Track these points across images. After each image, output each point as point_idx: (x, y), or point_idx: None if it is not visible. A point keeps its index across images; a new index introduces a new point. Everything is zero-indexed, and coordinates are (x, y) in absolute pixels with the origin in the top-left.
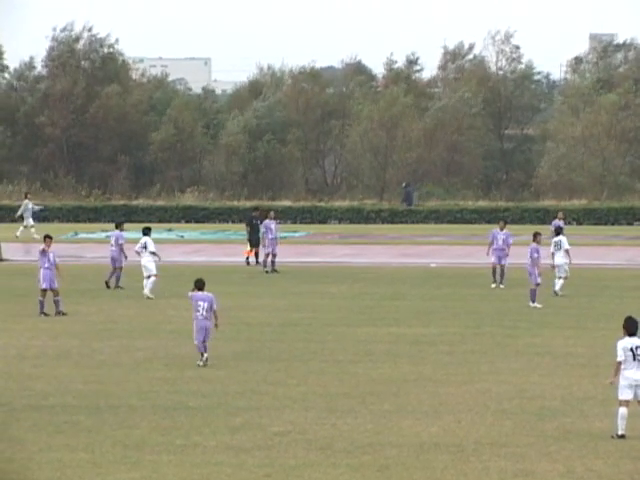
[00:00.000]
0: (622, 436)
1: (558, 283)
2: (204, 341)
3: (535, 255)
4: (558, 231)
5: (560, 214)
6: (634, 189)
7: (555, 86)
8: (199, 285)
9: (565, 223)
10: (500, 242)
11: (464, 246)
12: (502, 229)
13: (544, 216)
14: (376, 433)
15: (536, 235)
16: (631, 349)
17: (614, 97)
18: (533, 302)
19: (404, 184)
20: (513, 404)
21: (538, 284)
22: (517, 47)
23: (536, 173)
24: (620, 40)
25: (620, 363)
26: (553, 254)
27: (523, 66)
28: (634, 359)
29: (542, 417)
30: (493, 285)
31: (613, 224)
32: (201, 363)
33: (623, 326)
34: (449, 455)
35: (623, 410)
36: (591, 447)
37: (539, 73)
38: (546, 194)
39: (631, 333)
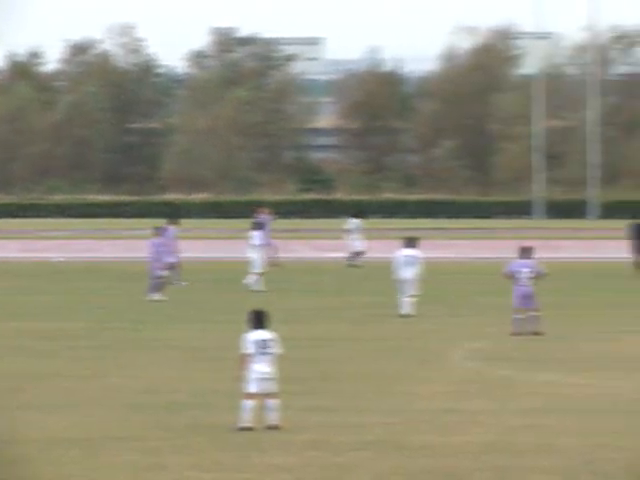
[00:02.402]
0: (249, 428)
1: (252, 278)
2: None
3: (161, 249)
4: (258, 226)
5: (265, 209)
6: (258, 182)
7: (179, 80)
8: None
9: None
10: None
11: (89, 240)
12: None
13: (170, 210)
14: (4, 428)
15: (158, 229)
16: (259, 342)
17: (240, 92)
18: (153, 294)
19: None
20: (142, 398)
21: (160, 277)
22: (140, 40)
23: (161, 167)
24: (242, 34)
25: (247, 356)
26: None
27: (146, 60)
28: (261, 353)
29: (171, 411)
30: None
31: (237, 217)
32: None
33: (248, 319)
34: (79, 450)
35: (250, 403)
36: (219, 439)
37: (163, 66)
38: (171, 188)
39: (258, 326)
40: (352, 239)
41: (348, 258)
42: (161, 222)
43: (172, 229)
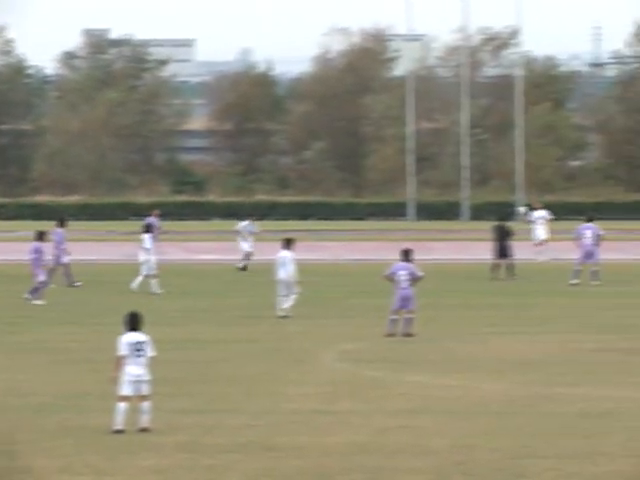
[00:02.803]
0: (121, 431)
1: (141, 282)
2: None
3: (36, 255)
4: (148, 229)
5: (156, 211)
6: (130, 184)
7: (50, 81)
8: None
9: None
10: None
11: None
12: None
13: (41, 212)
14: None
15: (41, 234)
16: (133, 344)
17: (111, 93)
18: (31, 296)
19: None
20: (9, 401)
21: (42, 282)
22: (11, 41)
23: (33, 169)
24: (114, 36)
25: (122, 358)
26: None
27: (17, 61)
28: (135, 355)
29: (40, 413)
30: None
31: (110, 219)
32: None
33: (124, 321)
34: None
35: (123, 405)
36: (89, 442)
37: (34, 68)
38: (43, 190)
39: (132, 328)
40: (242, 241)
41: (241, 260)
42: (36, 225)
43: (60, 231)
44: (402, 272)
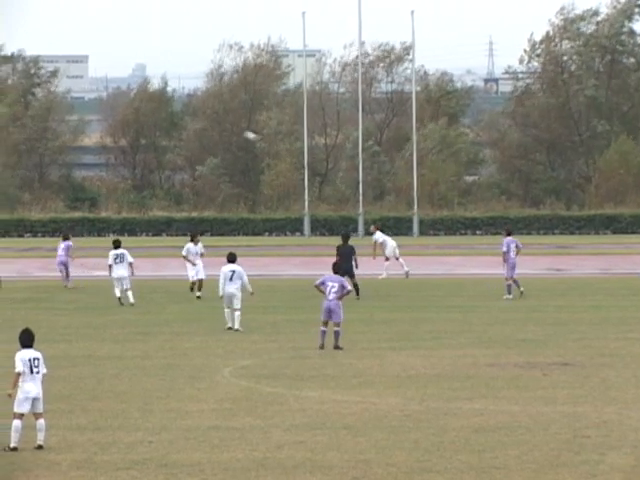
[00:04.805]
0: (15, 449)
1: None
2: None
3: None
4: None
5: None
6: (24, 201)
7: None
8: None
9: None
10: None
11: None
12: None
13: None
14: None
15: None
16: (27, 361)
17: (4, 109)
18: None
19: None
20: None
21: None
22: None
23: None
24: (6, 51)
25: (19, 375)
26: None
27: None
28: (31, 372)
29: None
30: None
31: (3, 236)
32: None
33: (19, 338)
34: None
35: (18, 423)
36: None
37: None
38: None
39: (26, 345)
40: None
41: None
42: None
43: None
44: (331, 283)
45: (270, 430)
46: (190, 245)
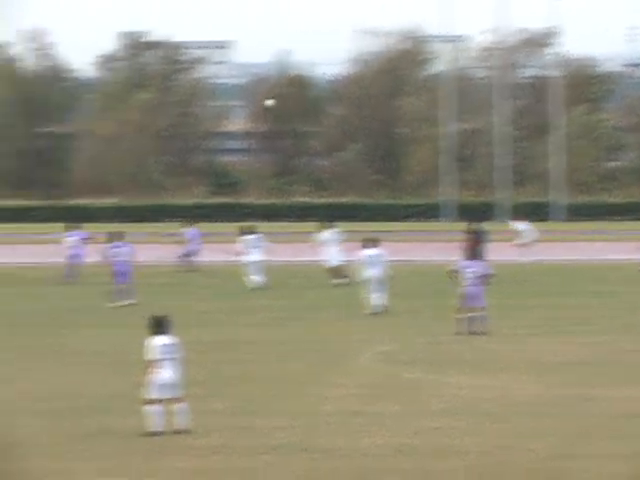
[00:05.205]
0: (156, 433)
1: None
2: None
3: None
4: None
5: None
6: (167, 187)
7: (88, 84)
8: None
9: None
10: None
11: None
12: None
13: (77, 215)
14: None
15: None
16: (163, 347)
17: (147, 95)
18: (118, 300)
19: None
20: (48, 404)
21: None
22: (50, 44)
23: (70, 171)
24: (151, 38)
25: (154, 361)
26: None
27: (56, 64)
28: (167, 358)
29: (76, 416)
30: None
31: (146, 221)
32: None
33: (151, 324)
34: None
35: (157, 408)
36: (125, 444)
37: (72, 70)
38: (81, 192)
39: (161, 331)
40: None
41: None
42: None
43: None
44: (469, 270)
45: (409, 416)
46: (326, 231)
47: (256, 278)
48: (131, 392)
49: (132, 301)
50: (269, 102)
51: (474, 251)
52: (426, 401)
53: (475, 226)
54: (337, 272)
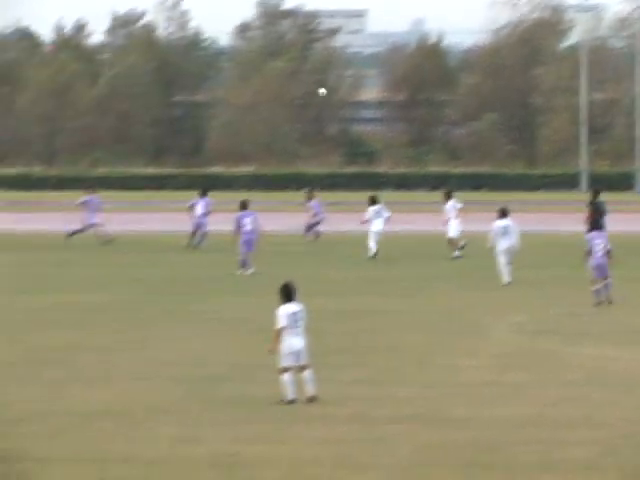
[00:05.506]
0: (292, 401)
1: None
2: None
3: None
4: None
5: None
6: (302, 155)
7: (224, 53)
8: None
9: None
10: None
11: (135, 213)
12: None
13: (213, 183)
14: (45, 401)
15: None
16: (290, 315)
17: (282, 64)
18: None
19: None
20: (183, 371)
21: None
22: (186, 13)
23: (206, 140)
24: (286, 7)
25: (281, 330)
26: None
27: (191, 32)
28: (293, 325)
29: (212, 383)
30: None
31: (281, 190)
32: None
33: (280, 292)
34: (119, 422)
35: (288, 376)
36: (259, 412)
37: (207, 39)
38: (216, 161)
39: (288, 299)
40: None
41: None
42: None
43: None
44: (598, 241)
45: (544, 386)
46: (449, 202)
47: (372, 247)
48: (268, 360)
49: (252, 270)
50: (322, 90)
51: (597, 222)
52: (563, 371)
53: (594, 196)
54: (455, 243)
